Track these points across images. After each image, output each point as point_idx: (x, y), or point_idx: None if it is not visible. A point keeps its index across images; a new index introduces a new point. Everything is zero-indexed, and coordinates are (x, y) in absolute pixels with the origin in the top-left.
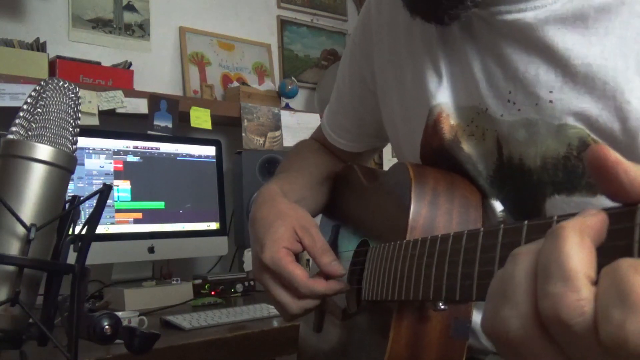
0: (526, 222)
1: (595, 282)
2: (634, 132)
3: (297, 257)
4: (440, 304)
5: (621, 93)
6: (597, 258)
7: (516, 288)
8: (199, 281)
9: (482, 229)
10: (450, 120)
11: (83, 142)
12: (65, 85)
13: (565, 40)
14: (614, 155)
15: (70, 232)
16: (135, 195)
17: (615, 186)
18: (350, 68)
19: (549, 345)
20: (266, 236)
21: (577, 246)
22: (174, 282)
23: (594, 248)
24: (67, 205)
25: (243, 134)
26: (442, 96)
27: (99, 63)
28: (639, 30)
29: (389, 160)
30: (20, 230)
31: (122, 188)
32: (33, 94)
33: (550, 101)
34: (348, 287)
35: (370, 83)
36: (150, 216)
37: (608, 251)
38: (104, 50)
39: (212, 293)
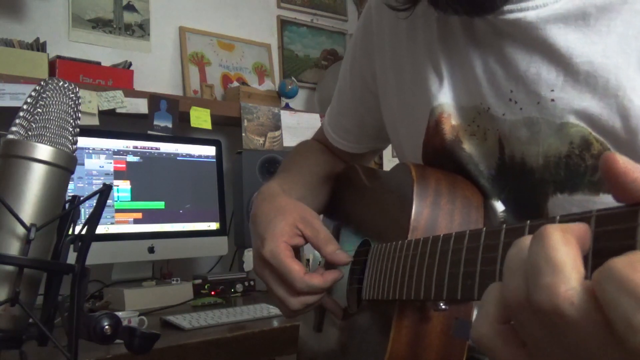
0: (528, 222)
1: (585, 276)
2: (636, 130)
3: (298, 253)
4: (442, 304)
5: (623, 91)
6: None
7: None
8: (199, 281)
9: (484, 228)
10: (451, 121)
11: (83, 142)
12: (65, 85)
13: (566, 38)
14: (623, 165)
15: (70, 232)
16: (135, 195)
17: (623, 195)
18: (351, 69)
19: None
20: (267, 231)
21: (560, 240)
22: (174, 282)
23: (577, 244)
24: (67, 205)
25: (243, 134)
26: (444, 96)
27: (99, 63)
28: None
29: (389, 160)
30: (20, 230)
31: (122, 188)
32: (33, 94)
33: (552, 100)
34: (342, 274)
35: (371, 84)
36: (150, 216)
37: (612, 252)
38: (104, 50)
39: (212, 293)
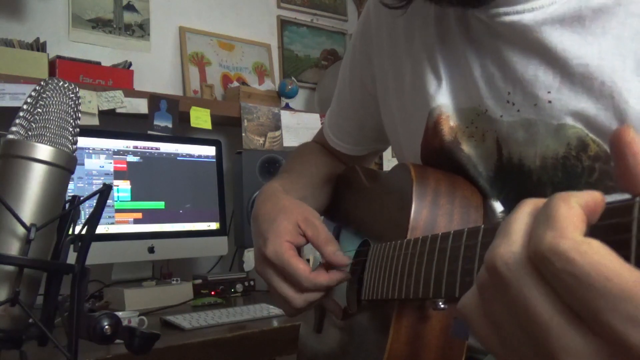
0: None
1: None
2: None
3: (300, 252)
4: (440, 303)
5: (619, 93)
6: None
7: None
8: (199, 281)
9: (482, 226)
10: (450, 122)
11: (83, 142)
12: (65, 85)
13: (562, 41)
14: (630, 137)
15: (70, 232)
16: (135, 195)
17: (621, 167)
18: (350, 71)
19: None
20: (269, 230)
21: (525, 213)
22: (174, 282)
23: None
24: (67, 205)
25: (243, 134)
26: (442, 98)
27: (99, 63)
28: (636, 30)
29: (388, 160)
30: (20, 230)
31: (122, 188)
32: (33, 94)
33: (549, 101)
34: (349, 276)
35: (370, 86)
36: (150, 216)
37: (608, 246)
38: (104, 50)
39: (212, 293)
